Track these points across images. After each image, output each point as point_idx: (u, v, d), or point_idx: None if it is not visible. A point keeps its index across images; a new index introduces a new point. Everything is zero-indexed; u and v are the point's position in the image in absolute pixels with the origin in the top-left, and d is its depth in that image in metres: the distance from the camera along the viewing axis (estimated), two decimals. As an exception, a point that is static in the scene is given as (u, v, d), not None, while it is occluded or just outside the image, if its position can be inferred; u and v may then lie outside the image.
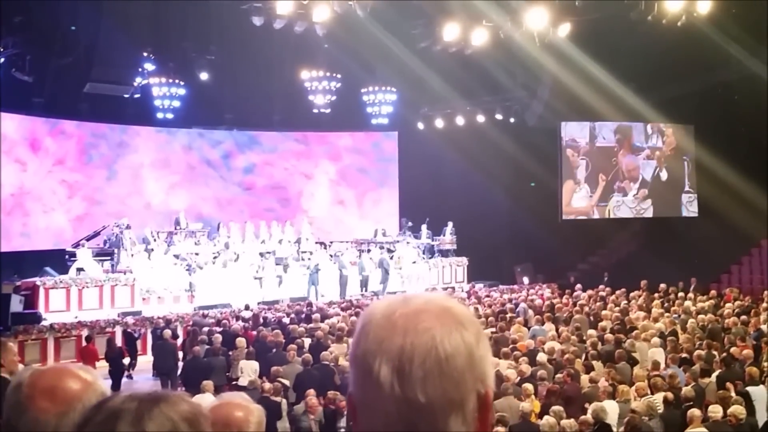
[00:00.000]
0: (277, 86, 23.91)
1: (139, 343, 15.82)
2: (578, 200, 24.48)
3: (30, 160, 20.87)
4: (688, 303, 16.19)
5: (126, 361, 14.60)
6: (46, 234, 21.06)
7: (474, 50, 19.24)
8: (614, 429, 8.16)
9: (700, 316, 14.53)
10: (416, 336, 1.06)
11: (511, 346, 12.05)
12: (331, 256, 21.06)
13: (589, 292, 18.59)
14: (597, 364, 10.82)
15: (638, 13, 17.17)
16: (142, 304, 17.83)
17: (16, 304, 15.54)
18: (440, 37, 18.70)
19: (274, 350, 12.39)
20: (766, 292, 16.51)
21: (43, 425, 1.54)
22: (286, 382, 10.38)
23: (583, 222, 24.54)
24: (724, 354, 10.77)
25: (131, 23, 19.61)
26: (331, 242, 23.27)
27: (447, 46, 19.08)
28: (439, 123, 25.22)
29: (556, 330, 13.84)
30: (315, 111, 24.15)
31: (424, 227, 23.39)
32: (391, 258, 21.74)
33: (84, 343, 14.17)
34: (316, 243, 22.32)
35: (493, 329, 13.79)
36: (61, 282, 17.16)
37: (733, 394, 8.61)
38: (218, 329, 14.12)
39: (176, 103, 22.90)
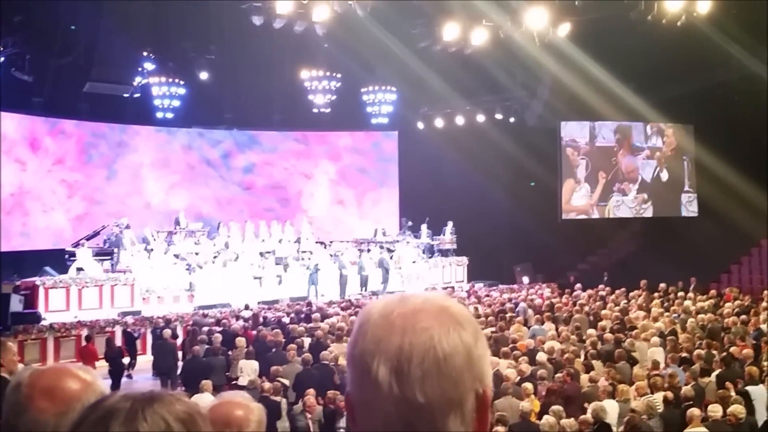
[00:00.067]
0: (277, 86, 23.90)
1: (138, 342, 15.82)
2: (578, 199, 24.49)
3: (30, 160, 20.86)
4: (687, 302, 16.19)
5: (126, 360, 14.60)
6: (46, 234, 21.05)
7: (474, 50, 19.24)
8: (614, 428, 8.16)
9: (700, 316, 14.54)
10: (414, 336, 1.06)
11: (510, 345, 12.06)
12: (331, 255, 21.06)
13: (589, 291, 18.59)
14: (597, 364, 10.83)
15: (638, 13, 17.17)
16: (141, 303, 17.81)
17: (16, 304, 15.54)
18: (440, 37, 18.70)
19: (274, 350, 12.40)
20: (765, 292, 16.51)
21: (43, 425, 1.54)
22: (286, 382, 10.38)
23: (583, 222, 24.55)
24: (724, 353, 10.77)
25: (131, 23, 19.62)
26: (331, 242, 23.27)
27: (447, 45, 19.07)
28: (439, 123, 25.22)
29: (556, 329, 13.86)
30: (315, 111, 24.16)
31: (424, 227, 23.39)
32: (391, 258, 21.74)
33: (84, 343, 14.17)
34: (316, 243, 22.32)
35: (493, 329, 13.80)
36: (60, 282, 17.15)
37: (732, 393, 8.61)
38: (218, 329, 14.12)
39: (176, 103, 22.90)
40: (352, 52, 21.48)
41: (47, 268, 17.94)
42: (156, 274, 18.55)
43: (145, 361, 15.23)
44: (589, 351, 11.69)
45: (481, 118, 24.05)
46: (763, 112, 20.22)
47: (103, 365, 13.09)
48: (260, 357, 11.92)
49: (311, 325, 14.24)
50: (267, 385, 9.77)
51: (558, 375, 9.97)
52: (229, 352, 12.45)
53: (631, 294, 17.85)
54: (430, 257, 23.11)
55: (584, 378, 10.11)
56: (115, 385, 12.50)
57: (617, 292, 17.94)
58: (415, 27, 19.91)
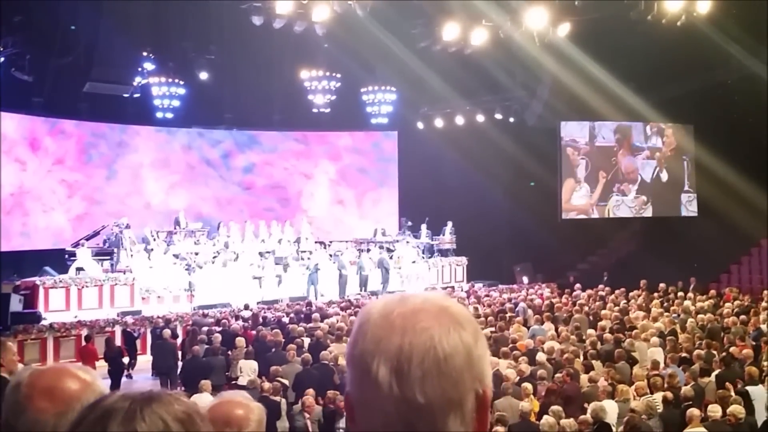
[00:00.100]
0: (276, 86, 23.89)
1: (138, 342, 15.82)
2: (578, 198, 24.50)
3: (29, 160, 20.87)
4: (687, 302, 16.19)
5: (125, 360, 14.59)
6: (46, 233, 21.05)
7: (474, 50, 19.23)
8: (613, 428, 8.16)
9: (700, 316, 14.54)
10: (414, 336, 1.06)
11: (510, 345, 12.07)
12: (331, 255, 21.07)
13: (589, 291, 18.60)
14: (596, 364, 10.83)
15: (638, 13, 17.16)
16: (141, 303, 17.82)
17: (16, 304, 15.54)
18: (440, 37, 18.69)
19: (274, 350, 12.40)
20: (765, 292, 16.52)
21: (42, 425, 1.53)
22: (286, 382, 10.38)
23: (583, 221, 24.55)
24: (724, 353, 10.78)
25: (131, 23, 19.61)
26: (331, 242, 23.27)
27: (447, 45, 19.07)
28: (439, 123, 25.22)
29: (556, 329, 13.87)
30: (315, 111, 24.16)
31: (423, 227, 23.39)
32: (391, 258, 21.74)
33: (83, 343, 14.16)
34: (316, 242, 22.33)
35: (493, 329, 13.80)
36: (60, 281, 17.15)
37: (732, 393, 8.61)
38: (218, 329, 14.12)
39: (176, 103, 22.90)
40: (352, 52, 21.47)
41: (47, 268, 17.95)
42: (156, 274, 18.55)
43: (144, 361, 15.23)
44: (589, 351, 11.69)
45: (480, 118, 24.05)
46: (763, 112, 20.22)
47: (102, 365, 13.08)
48: (260, 357, 11.92)
49: (311, 325, 14.24)
50: (267, 385, 9.78)
51: (557, 375, 9.97)
52: (229, 352, 12.46)
53: (631, 294, 17.86)
54: (430, 257, 23.12)
55: (584, 378, 10.11)
56: (115, 385, 12.49)
57: (617, 292, 17.94)
58: (415, 27, 19.90)
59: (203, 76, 22.24)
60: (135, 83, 21.65)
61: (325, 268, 20.08)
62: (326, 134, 26.36)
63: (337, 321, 14.55)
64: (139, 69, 21.54)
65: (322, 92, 23.54)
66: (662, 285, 18.17)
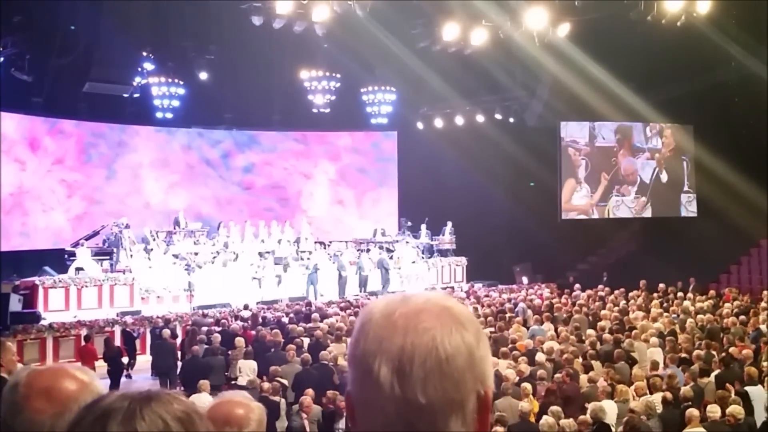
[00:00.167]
0: (276, 86, 23.90)
1: (138, 342, 15.81)
2: (578, 198, 24.50)
3: (29, 160, 20.86)
4: (687, 303, 16.18)
5: (125, 360, 14.58)
6: (45, 233, 21.05)
7: (473, 50, 19.24)
8: (613, 429, 8.16)
9: (699, 316, 14.53)
10: (416, 336, 1.05)
11: (510, 345, 12.06)
12: (331, 255, 21.07)
13: (588, 291, 18.59)
14: (596, 364, 10.82)
15: (638, 13, 17.17)
16: (141, 303, 17.81)
17: (15, 304, 15.53)
18: (440, 37, 18.69)
19: (273, 350, 12.40)
20: (765, 292, 16.50)
21: (39, 425, 1.53)
22: (285, 382, 10.38)
23: (583, 222, 24.55)
24: (723, 354, 10.77)
25: (131, 23, 19.60)
26: (331, 242, 23.28)
27: (446, 45, 19.08)
28: (439, 123, 25.22)
29: (555, 330, 13.86)
30: (314, 111, 24.17)
31: (423, 227, 23.39)
32: (391, 258, 21.74)
33: (83, 343, 14.17)
34: (316, 243, 22.33)
35: (492, 329, 13.79)
36: (60, 281, 17.14)
37: (731, 394, 8.61)
38: (217, 329, 14.11)
39: (175, 103, 22.90)
40: (352, 52, 21.48)
41: (46, 268, 17.95)
42: (155, 274, 18.55)
43: (144, 360, 15.22)
44: (589, 351, 11.68)
45: (480, 118, 24.05)
46: (763, 112, 20.22)
47: (102, 365, 13.07)
48: (259, 357, 11.92)
49: (310, 325, 14.24)
50: (266, 385, 9.77)
51: (557, 375, 9.97)
52: (229, 352, 12.45)
53: (631, 294, 17.84)
54: (430, 257, 23.11)
55: (583, 378, 10.11)
56: (114, 385, 12.48)
57: (616, 292, 17.94)
58: (415, 27, 19.91)
59: (203, 76, 22.25)
60: (135, 83, 21.65)
61: (324, 269, 20.08)
62: (326, 134, 26.36)
63: (337, 321, 14.54)
64: (139, 69, 21.54)
65: (321, 92, 23.55)
66: (662, 285, 18.17)
